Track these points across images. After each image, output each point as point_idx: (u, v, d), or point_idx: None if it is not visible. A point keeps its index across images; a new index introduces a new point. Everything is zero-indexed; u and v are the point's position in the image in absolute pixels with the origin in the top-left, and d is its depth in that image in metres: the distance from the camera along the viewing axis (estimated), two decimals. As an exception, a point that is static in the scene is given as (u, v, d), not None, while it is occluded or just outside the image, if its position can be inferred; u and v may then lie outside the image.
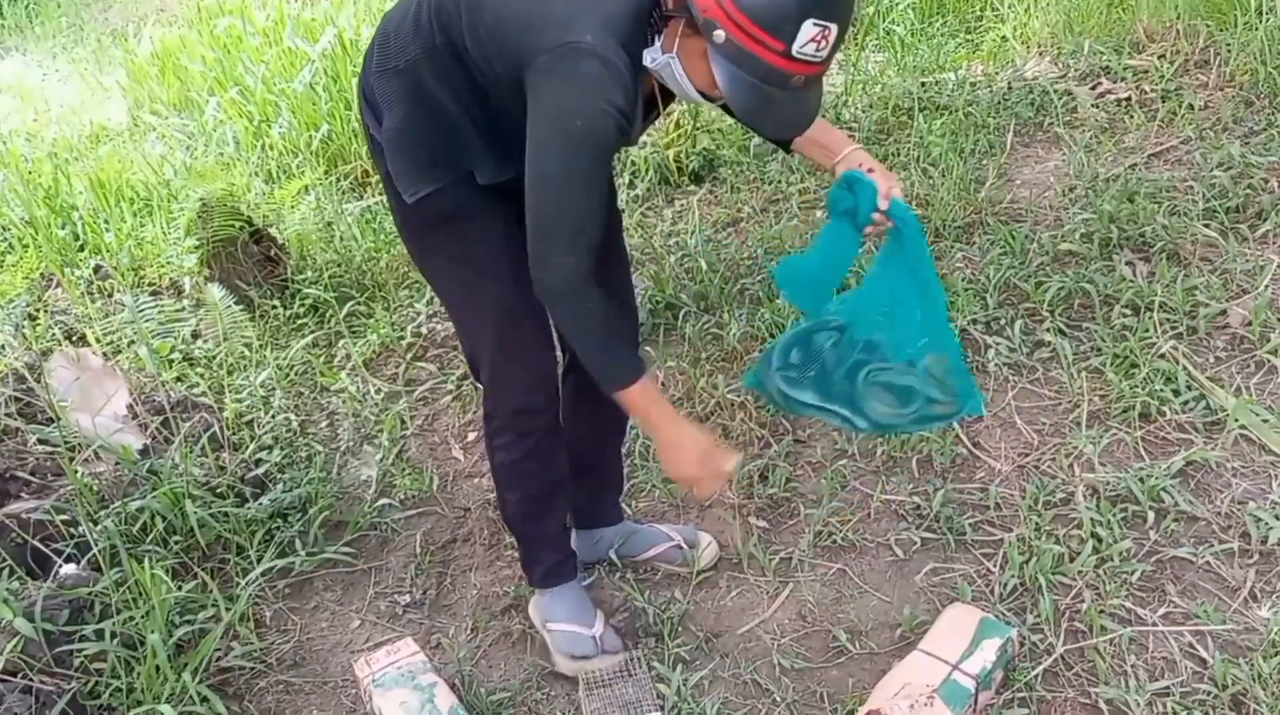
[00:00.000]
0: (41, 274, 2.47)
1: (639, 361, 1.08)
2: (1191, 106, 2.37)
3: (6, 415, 1.89)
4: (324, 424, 1.91)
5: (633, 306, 1.33)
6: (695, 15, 0.89)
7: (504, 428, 1.22)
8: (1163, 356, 1.66)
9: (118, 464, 1.72)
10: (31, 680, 1.34)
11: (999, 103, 2.54)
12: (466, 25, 1.01)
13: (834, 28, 0.87)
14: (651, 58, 0.95)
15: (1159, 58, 2.58)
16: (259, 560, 1.54)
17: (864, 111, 2.61)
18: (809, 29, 0.86)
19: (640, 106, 0.98)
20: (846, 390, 1.19)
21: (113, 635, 1.38)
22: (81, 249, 2.55)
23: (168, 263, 2.39)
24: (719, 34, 0.88)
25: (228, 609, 1.44)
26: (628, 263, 1.32)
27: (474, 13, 1.00)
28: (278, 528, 1.62)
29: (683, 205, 2.39)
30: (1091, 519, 1.39)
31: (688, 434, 1.11)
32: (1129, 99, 2.48)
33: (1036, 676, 1.22)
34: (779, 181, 2.41)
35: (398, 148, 1.10)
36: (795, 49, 0.87)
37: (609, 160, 0.99)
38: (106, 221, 2.59)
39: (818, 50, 0.88)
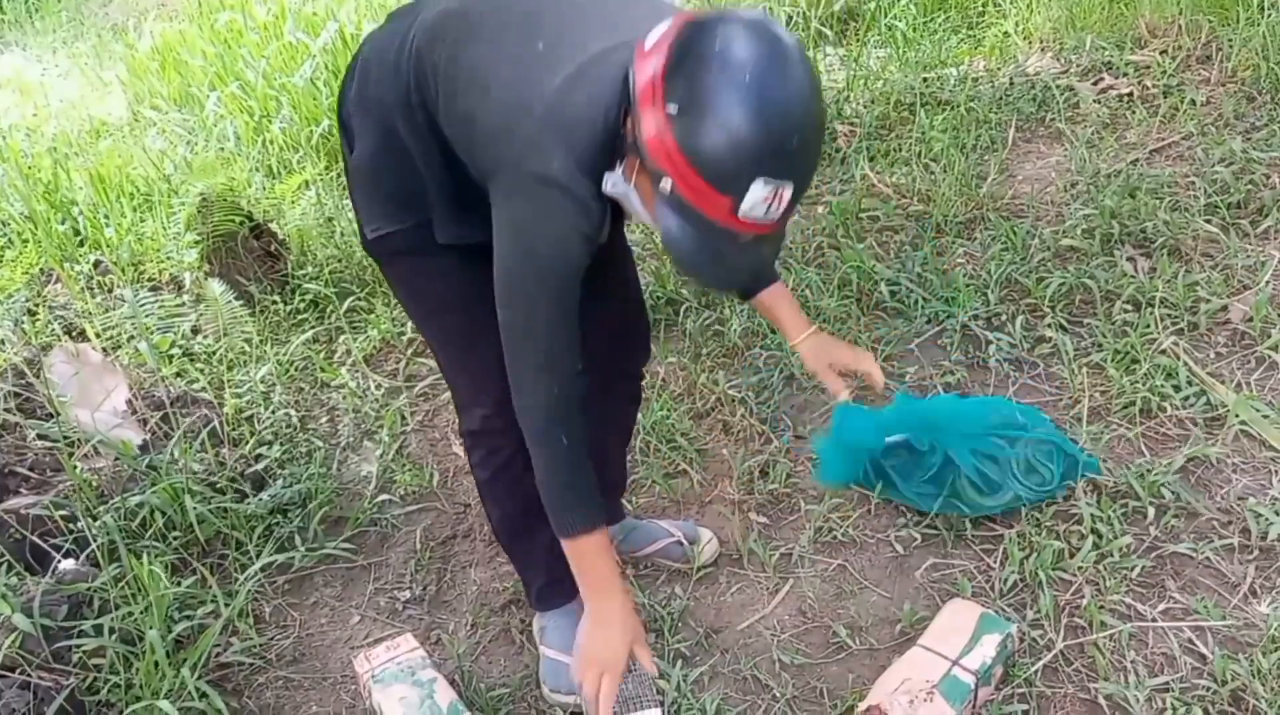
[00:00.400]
0: (41, 269, 2.46)
1: (596, 514, 1.01)
2: (1193, 102, 2.36)
3: (6, 411, 1.88)
4: (324, 420, 1.90)
5: (640, 328, 1.30)
6: (645, 160, 0.81)
7: (473, 446, 1.20)
8: (1163, 352, 1.65)
9: (117, 459, 1.71)
10: (30, 676, 1.34)
11: (1001, 98, 2.53)
12: (442, 101, 0.96)
13: (789, 186, 0.77)
14: (611, 183, 0.87)
15: (1161, 53, 2.56)
16: (258, 556, 1.53)
17: (865, 107, 2.60)
18: (759, 188, 0.76)
19: (608, 218, 0.91)
20: (934, 492, 1.41)
21: (111, 631, 1.37)
22: (81, 244, 2.54)
23: (168, 258, 2.38)
24: (665, 183, 0.80)
25: (227, 604, 1.44)
26: (638, 284, 1.28)
27: (449, 94, 0.95)
28: (277, 523, 1.62)
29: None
30: (1092, 515, 1.38)
31: (625, 616, 1.04)
32: (1131, 95, 2.47)
33: (1036, 672, 1.21)
34: (779, 177, 2.40)
35: (362, 183, 1.08)
36: (743, 210, 0.77)
37: (578, 281, 0.91)
38: (106, 217, 2.58)
39: (769, 212, 0.78)
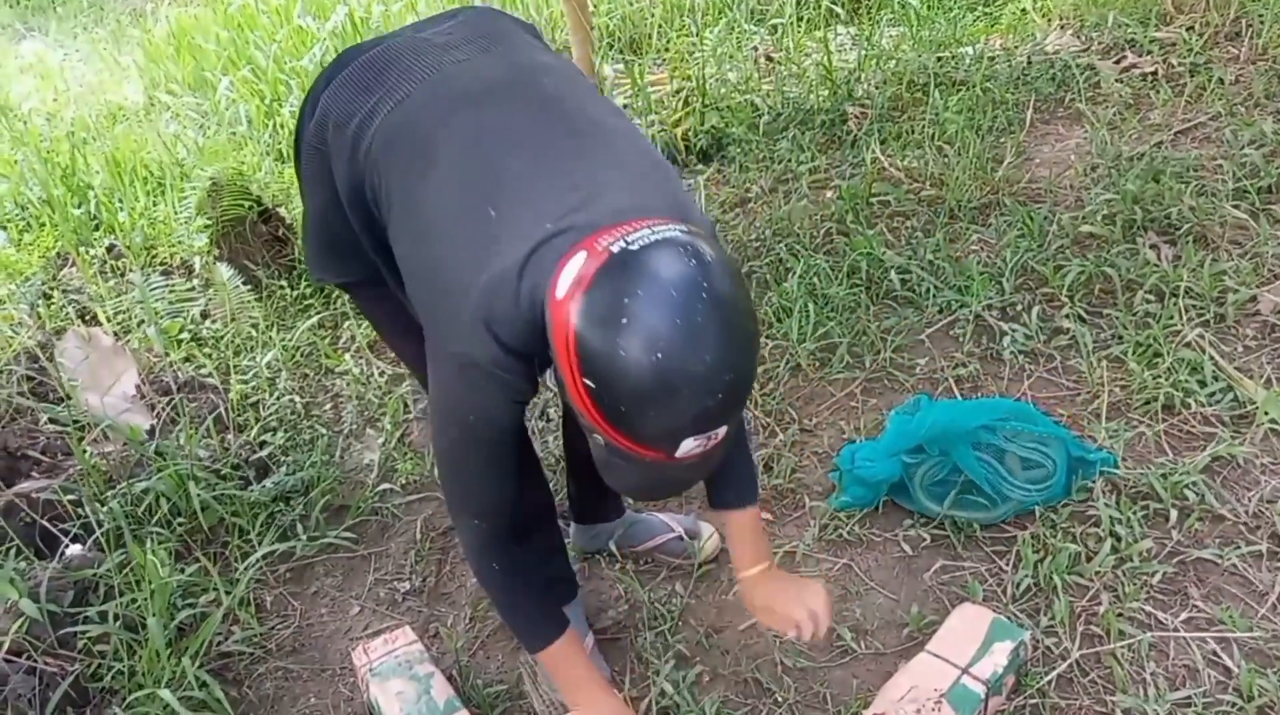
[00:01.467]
0: (57, 253, 2.41)
1: (547, 629, 0.99)
2: (1221, 81, 2.18)
3: (19, 394, 1.83)
4: (328, 406, 1.83)
5: None
6: (570, 405, 0.74)
7: None
8: (1188, 345, 1.52)
9: (125, 444, 1.65)
10: (36, 661, 1.30)
11: (1018, 78, 2.36)
12: (391, 226, 0.88)
13: (720, 430, 0.73)
14: (552, 378, 0.80)
15: (1187, 30, 2.37)
16: (260, 543, 1.48)
17: (878, 87, 2.44)
18: (690, 442, 0.71)
19: (543, 367, 0.85)
20: (940, 494, 1.33)
21: (115, 618, 1.33)
22: (96, 228, 2.48)
23: (179, 242, 2.31)
24: (598, 437, 0.74)
25: (228, 593, 1.38)
26: None
27: (397, 229, 0.87)
28: (279, 511, 1.55)
29: (690, 184, 2.27)
30: (1110, 517, 1.27)
31: (604, 712, 0.98)
32: (1155, 73, 2.29)
33: (1050, 682, 1.12)
34: (789, 160, 2.27)
35: (308, 231, 1.02)
36: (679, 454, 0.73)
37: (512, 434, 0.87)
38: (120, 201, 2.52)
39: (707, 448, 0.73)
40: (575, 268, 0.71)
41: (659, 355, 0.67)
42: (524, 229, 0.78)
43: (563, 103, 0.88)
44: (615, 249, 0.70)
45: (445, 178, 0.84)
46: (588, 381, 0.69)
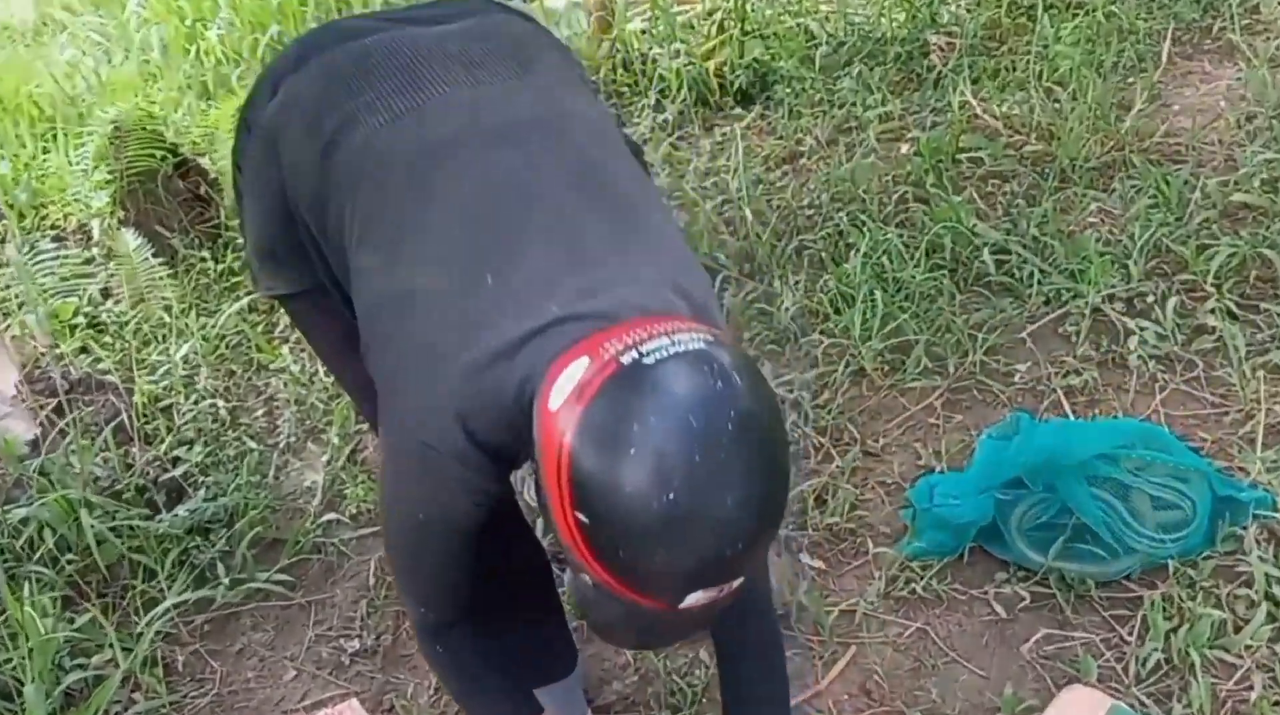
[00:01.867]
0: (-78, 213, 2.43)
1: (521, 710, 1.02)
2: None
3: None
4: (259, 413, 1.85)
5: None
6: (556, 532, 0.75)
7: None
8: (1373, 352, 1.50)
9: (0, 460, 1.67)
10: (-114, 735, 1.31)
11: (1152, 0, 2.35)
12: (356, 263, 0.90)
13: (733, 583, 0.74)
14: (526, 485, 0.86)
15: (1377, -63, 2.33)
16: (171, 588, 1.49)
17: (969, 10, 2.44)
18: (699, 595, 0.73)
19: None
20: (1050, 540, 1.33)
21: (-14, 682, 1.34)
22: (-29, 183, 2.50)
23: (74, 200, 2.33)
24: (585, 577, 0.75)
25: (129, 651, 1.39)
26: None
27: (364, 268, 0.89)
28: (196, 547, 1.57)
29: (725, 134, 2.27)
30: (1266, 575, 1.26)
31: None
32: (1332, -5, 2.26)
33: (1185, 790, 1.11)
34: (852, 104, 2.27)
35: (248, 236, 1.05)
36: (684, 605, 0.74)
37: (470, 534, 0.89)
38: (2, 148, 2.54)
39: (717, 598, 0.74)
40: (575, 375, 0.72)
41: (671, 495, 0.67)
42: (525, 306, 0.80)
43: (594, 162, 0.90)
44: (626, 360, 0.71)
45: (443, 220, 0.86)
46: (580, 515, 0.70)
